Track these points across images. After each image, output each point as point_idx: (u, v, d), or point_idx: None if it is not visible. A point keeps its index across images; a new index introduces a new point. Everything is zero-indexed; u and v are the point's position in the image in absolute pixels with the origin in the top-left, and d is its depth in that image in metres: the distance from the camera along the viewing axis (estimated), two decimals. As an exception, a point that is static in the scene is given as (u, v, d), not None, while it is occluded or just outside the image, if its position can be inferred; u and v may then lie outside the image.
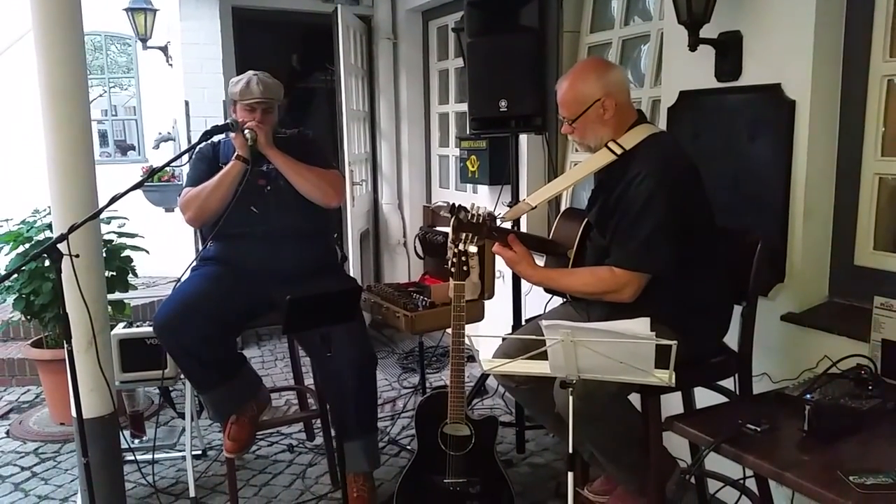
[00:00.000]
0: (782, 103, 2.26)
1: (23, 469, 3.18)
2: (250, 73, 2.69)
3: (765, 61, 2.32)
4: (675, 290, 2.04)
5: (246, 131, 2.58)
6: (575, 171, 2.26)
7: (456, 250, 2.34)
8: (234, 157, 2.60)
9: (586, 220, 2.28)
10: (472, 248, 2.14)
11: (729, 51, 2.41)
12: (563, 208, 3.67)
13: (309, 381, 3.29)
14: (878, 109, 2.20)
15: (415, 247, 3.63)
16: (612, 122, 2.07)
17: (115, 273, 3.51)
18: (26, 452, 3.35)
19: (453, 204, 2.12)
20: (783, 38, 2.26)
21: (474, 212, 2.12)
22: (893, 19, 2.15)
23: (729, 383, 2.20)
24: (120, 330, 2.98)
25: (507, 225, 2.46)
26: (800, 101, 2.23)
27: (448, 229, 2.42)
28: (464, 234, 2.12)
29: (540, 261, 2.39)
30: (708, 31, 2.35)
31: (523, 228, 3.15)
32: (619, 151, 2.06)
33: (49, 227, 3.28)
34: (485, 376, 3.62)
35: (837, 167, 2.31)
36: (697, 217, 2.04)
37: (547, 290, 2.43)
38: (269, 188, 2.69)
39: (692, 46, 2.34)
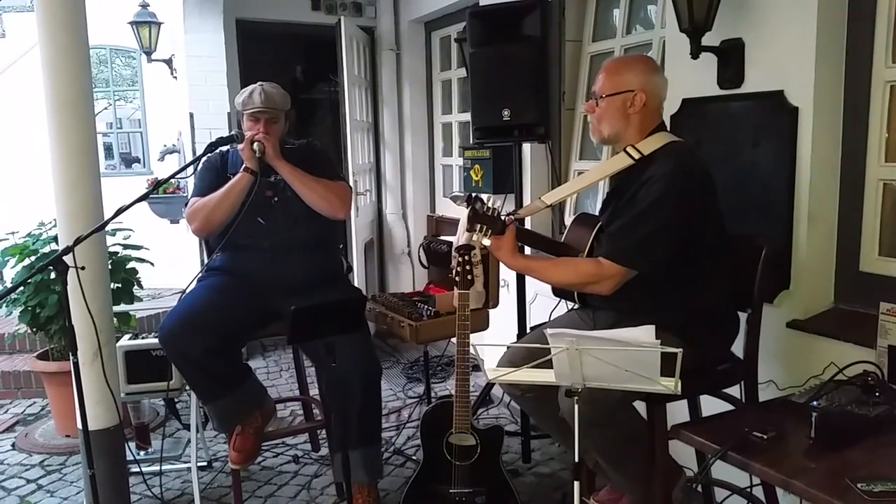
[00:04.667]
0: (785, 110, 2.26)
1: (28, 481, 3.18)
2: (257, 83, 2.70)
3: (767, 68, 2.33)
4: (681, 297, 2.03)
5: (254, 143, 2.58)
6: (591, 174, 2.27)
7: (460, 259, 2.34)
8: (242, 169, 2.61)
9: (599, 224, 2.29)
10: (486, 241, 2.11)
11: (731, 58, 2.41)
12: (566, 213, 3.68)
13: (314, 391, 3.29)
14: (882, 115, 2.19)
15: (419, 256, 3.63)
16: (633, 120, 2.08)
17: (120, 285, 3.52)
18: (32, 465, 3.35)
19: (470, 194, 2.11)
20: (785, 45, 2.26)
21: (490, 204, 2.11)
22: (895, 25, 2.15)
23: (735, 391, 2.19)
24: (125, 342, 2.98)
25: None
26: (803, 107, 2.23)
27: (453, 238, 2.42)
28: (478, 226, 2.08)
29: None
30: (710, 39, 2.36)
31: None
32: (636, 156, 2.07)
33: (55, 239, 3.29)
34: (490, 385, 3.61)
35: (841, 173, 2.31)
36: (705, 227, 2.04)
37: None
38: (276, 199, 2.69)
39: (694, 54, 2.34)
